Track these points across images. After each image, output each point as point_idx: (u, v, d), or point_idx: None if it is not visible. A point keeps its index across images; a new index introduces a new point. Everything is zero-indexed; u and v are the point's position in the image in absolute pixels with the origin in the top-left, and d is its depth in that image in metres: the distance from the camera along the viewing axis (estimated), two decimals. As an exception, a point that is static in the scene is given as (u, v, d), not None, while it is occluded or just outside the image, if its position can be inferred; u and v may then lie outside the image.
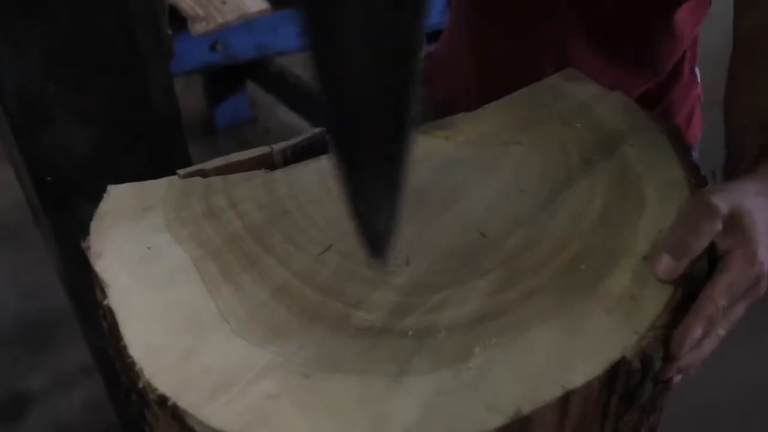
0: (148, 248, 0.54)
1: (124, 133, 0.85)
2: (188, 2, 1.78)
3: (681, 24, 0.80)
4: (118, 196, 0.59)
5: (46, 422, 1.55)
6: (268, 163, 0.63)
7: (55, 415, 1.56)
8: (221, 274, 0.52)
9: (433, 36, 0.89)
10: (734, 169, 0.58)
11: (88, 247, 0.55)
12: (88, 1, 0.76)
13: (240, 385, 0.45)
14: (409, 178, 0.41)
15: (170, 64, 0.88)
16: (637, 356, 0.46)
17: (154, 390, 0.45)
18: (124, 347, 0.47)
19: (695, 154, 0.81)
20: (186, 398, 0.44)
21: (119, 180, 0.60)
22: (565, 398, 0.44)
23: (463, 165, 0.63)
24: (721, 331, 0.51)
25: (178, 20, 1.72)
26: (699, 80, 0.90)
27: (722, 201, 0.51)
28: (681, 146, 0.62)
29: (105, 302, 0.50)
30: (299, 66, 2.12)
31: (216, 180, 0.61)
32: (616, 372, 0.46)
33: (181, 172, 0.61)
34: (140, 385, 0.45)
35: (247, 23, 1.83)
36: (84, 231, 0.56)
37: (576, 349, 0.47)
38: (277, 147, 0.63)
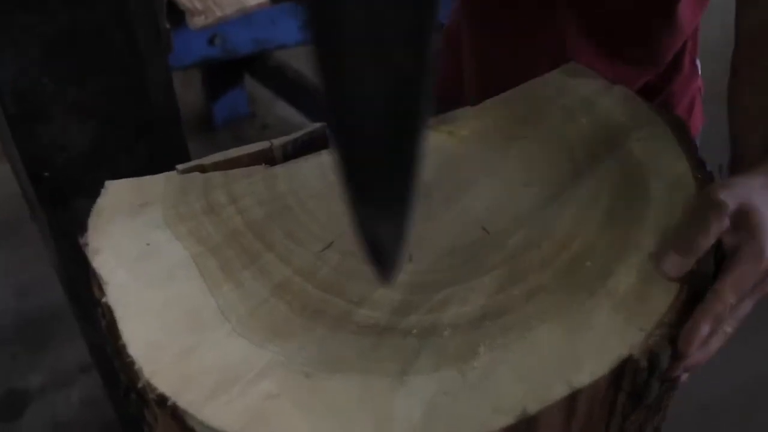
0: (147, 244, 0.53)
1: (122, 130, 0.84)
2: (186, -4, 1.77)
3: (682, 16, 0.80)
4: (115, 191, 0.58)
5: (44, 420, 1.54)
6: (268, 159, 0.62)
7: (53, 413, 1.56)
8: (221, 271, 0.52)
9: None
10: (740, 165, 0.58)
11: (86, 244, 0.54)
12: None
13: (240, 384, 0.44)
14: (420, 182, 0.36)
15: (168, 59, 0.87)
16: (644, 354, 0.46)
17: (153, 389, 0.44)
18: (123, 345, 0.47)
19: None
20: (186, 398, 0.43)
21: (117, 176, 0.60)
22: (572, 397, 0.44)
23: (466, 160, 0.62)
24: (729, 329, 0.50)
25: (176, 14, 1.71)
26: (700, 72, 0.90)
27: (729, 197, 0.51)
28: (686, 140, 0.62)
29: (103, 299, 0.50)
30: (298, 60, 2.11)
31: (215, 176, 0.60)
32: (622, 370, 0.46)
33: (179, 167, 0.60)
34: (139, 385, 0.44)
35: (246, 17, 1.82)
36: (81, 227, 0.55)
37: (582, 347, 0.46)
38: (277, 142, 0.63)
